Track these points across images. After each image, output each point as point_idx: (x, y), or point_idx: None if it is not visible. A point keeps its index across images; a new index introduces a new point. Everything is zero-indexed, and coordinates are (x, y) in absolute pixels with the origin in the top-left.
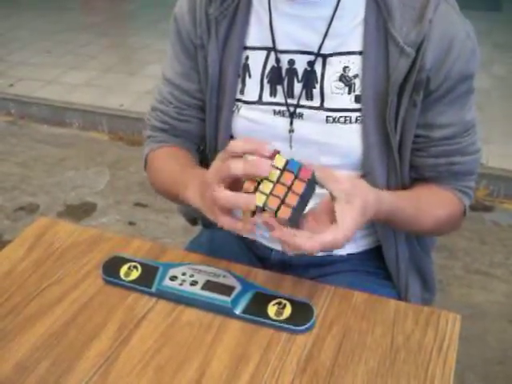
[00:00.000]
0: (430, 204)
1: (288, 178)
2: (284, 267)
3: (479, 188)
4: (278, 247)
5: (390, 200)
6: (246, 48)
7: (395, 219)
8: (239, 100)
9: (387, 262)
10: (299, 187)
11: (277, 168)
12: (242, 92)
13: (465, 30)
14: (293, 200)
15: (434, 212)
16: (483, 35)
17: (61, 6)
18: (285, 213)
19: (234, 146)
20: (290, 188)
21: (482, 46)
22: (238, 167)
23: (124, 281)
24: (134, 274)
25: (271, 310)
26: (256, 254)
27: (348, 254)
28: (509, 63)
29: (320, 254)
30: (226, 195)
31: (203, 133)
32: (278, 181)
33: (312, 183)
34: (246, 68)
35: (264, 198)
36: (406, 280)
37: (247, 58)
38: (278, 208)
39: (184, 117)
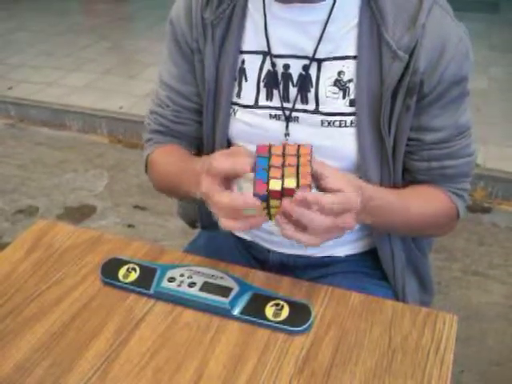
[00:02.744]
0: (419, 202)
1: (292, 159)
2: (282, 268)
3: (477, 189)
4: (276, 248)
5: (377, 190)
6: (241, 52)
7: (382, 212)
8: (236, 103)
9: (383, 263)
10: (306, 162)
11: (277, 155)
12: (238, 95)
13: (458, 33)
14: (306, 169)
15: (423, 210)
16: (481, 37)
17: (61, 8)
18: (305, 180)
19: (217, 167)
20: (298, 166)
21: (479, 48)
22: (223, 167)
23: (122, 282)
24: (133, 276)
25: (269, 311)
26: (254, 256)
27: (346, 256)
28: (506, 65)
29: (320, 255)
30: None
31: (201, 135)
32: (284, 164)
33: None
34: (243, 72)
35: (279, 182)
36: (402, 281)
37: (243, 61)
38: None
39: (181, 119)
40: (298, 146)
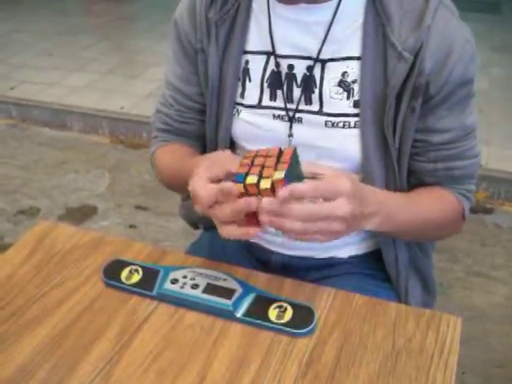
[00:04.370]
0: (428, 204)
1: (271, 161)
2: (285, 270)
3: (479, 190)
4: (278, 250)
5: (387, 193)
6: (245, 52)
7: (393, 215)
8: (239, 104)
9: (387, 265)
10: (286, 159)
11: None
12: (242, 96)
13: (463, 34)
14: (282, 168)
15: (432, 212)
16: (482, 37)
17: (62, 8)
18: (278, 174)
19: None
20: (276, 164)
21: (481, 49)
22: (226, 213)
23: (125, 284)
24: (135, 278)
25: (272, 313)
26: (257, 258)
27: (349, 257)
28: (508, 65)
29: (322, 256)
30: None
31: (205, 133)
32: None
33: (296, 157)
34: (246, 72)
35: (256, 177)
36: (406, 283)
37: (247, 62)
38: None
39: (185, 119)
40: (280, 148)
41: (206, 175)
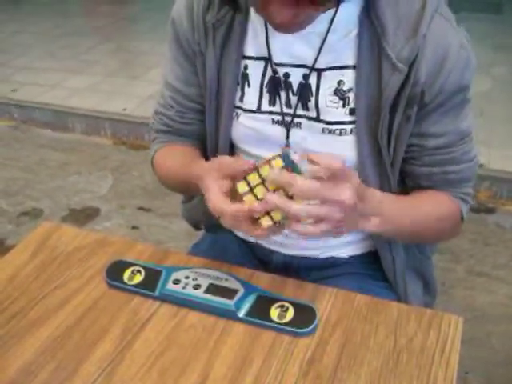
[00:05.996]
0: (426, 207)
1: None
2: (286, 270)
3: (481, 190)
4: (279, 250)
5: (385, 195)
6: (244, 57)
7: (391, 216)
8: (239, 107)
9: (384, 265)
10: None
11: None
12: (241, 100)
13: (458, 40)
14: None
15: (429, 215)
16: (484, 37)
17: (63, 10)
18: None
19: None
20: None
21: (482, 48)
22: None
23: (127, 285)
24: (138, 278)
25: (274, 312)
26: (258, 257)
27: (349, 257)
28: (509, 65)
29: (323, 255)
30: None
31: (206, 133)
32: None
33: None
34: (246, 77)
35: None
36: (403, 283)
37: (246, 67)
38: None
39: (186, 120)
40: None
41: (220, 190)
